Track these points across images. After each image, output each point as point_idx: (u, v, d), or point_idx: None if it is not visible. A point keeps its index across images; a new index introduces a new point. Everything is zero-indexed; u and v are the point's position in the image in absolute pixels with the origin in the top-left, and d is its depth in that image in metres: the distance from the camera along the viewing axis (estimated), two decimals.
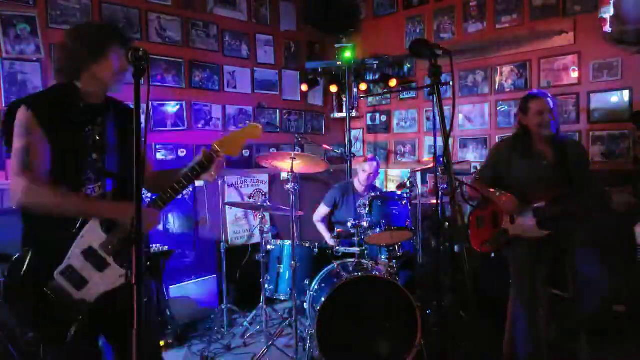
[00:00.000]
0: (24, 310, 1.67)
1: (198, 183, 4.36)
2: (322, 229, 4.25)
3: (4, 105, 3.39)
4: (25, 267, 1.65)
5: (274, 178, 4.98)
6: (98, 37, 1.76)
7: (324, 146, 4.73)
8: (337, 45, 5.26)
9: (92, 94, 1.79)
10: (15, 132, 1.66)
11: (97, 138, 1.78)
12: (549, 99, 2.82)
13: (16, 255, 1.68)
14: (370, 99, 5.52)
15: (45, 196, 1.64)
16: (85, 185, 1.75)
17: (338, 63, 5.11)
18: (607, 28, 3.66)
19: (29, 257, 1.66)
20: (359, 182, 4.23)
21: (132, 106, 1.92)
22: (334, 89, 5.21)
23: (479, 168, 3.04)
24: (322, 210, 4.25)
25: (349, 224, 3.41)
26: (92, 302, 1.69)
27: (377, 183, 5.37)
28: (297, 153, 3.34)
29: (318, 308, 2.95)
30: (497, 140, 4.48)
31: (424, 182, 4.82)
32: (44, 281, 1.66)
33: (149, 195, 2.00)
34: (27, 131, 1.65)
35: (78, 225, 1.69)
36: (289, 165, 3.28)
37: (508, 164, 2.93)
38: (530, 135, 2.87)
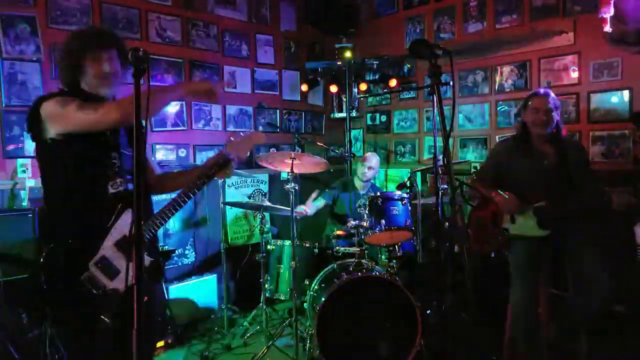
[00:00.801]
0: (60, 302, 1.73)
1: None
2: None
3: (4, 105, 3.39)
4: (60, 260, 1.72)
5: (274, 178, 4.98)
6: (71, 52, 1.85)
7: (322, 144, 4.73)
8: (337, 45, 5.26)
9: (95, 95, 1.88)
10: (58, 106, 1.73)
11: (110, 136, 1.88)
12: (550, 98, 2.83)
13: (49, 247, 1.74)
14: (370, 99, 5.52)
15: (124, 105, 1.71)
16: (109, 182, 1.84)
17: (338, 63, 5.10)
18: (607, 28, 3.66)
19: (63, 250, 1.73)
20: (358, 178, 4.24)
21: None
22: (334, 89, 5.21)
23: (479, 168, 3.05)
24: (320, 202, 4.24)
25: (349, 224, 3.41)
26: (123, 292, 1.75)
27: (377, 183, 5.38)
28: (297, 153, 3.35)
29: (318, 308, 2.95)
30: (497, 140, 4.48)
31: (424, 182, 4.82)
32: (79, 272, 1.73)
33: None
34: (69, 99, 1.75)
35: (113, 218, 1.79)
36: (289, 165, 3.28)
37: (508, 163, 2.93)
38: (529, 134, 2.88)
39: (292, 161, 3.27)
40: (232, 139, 2.04)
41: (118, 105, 1.74)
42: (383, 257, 3.58)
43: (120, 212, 1.81)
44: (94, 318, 1.72)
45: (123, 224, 1.80)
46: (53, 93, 1.85)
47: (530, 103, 2.86)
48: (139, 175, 1.35)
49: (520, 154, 2.89)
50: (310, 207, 4.13)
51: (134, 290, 1.29)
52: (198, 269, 4.34)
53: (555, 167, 2.83)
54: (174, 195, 1.95)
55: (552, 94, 2.87)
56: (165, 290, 3.80)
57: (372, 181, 4.40)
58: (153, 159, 2.35)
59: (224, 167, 2.00)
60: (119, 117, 1.71)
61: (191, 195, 1.92)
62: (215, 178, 2.01)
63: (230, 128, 4.73)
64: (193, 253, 4.36)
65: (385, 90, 5.20)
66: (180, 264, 4.26)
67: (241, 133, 2.08)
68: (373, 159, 4.23)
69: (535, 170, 2.84)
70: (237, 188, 4.70)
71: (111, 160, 1.85)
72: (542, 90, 2.91)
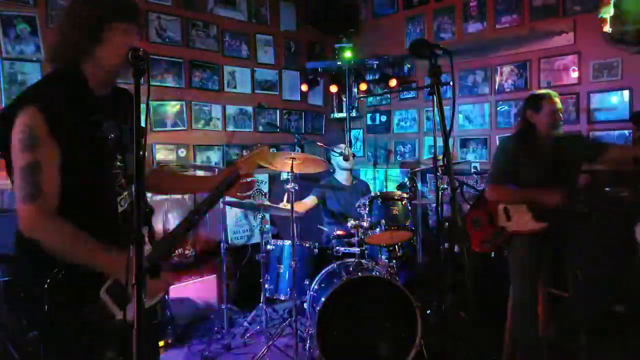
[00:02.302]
0: (65, 335, 1.44)
1: None
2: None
3: (4, 105, 3.39)
4: (64, 287, 1.43)
5: (274, 178, 4.98)
6: (95, 11, 1.48)
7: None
8: (337, 45, 5.26)
9: (99, 84, 1.55)
10: (19, 140, 1.37)
11: (112, 136, 1.55)
12: (558, 98, 2.84)
13: (54, 271, 1.43)
14: (370, 99, 5.52)
15: (51, 234, 1.40)
16: (119, 194, 1.57)
17: (338, 63, 5.10)
18: (607, 28, 3.66)
19: (69, 275, 1.43)
20: (338, 169, 4.22)
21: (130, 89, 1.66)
22: (334, 89, 5.21)
23: (494, 173, 2.95)
24: (310, 201, 4.22)
25: (349, 224, 3.41)
26: (130, 324, 1.40)
27: (378, 183, 5.38)
28: (297, 153, 3.34)
29: (318, 308, 2.95)
30: (497, 140, 4.48)
31: (424, 182, 4.82)
32: (88, 300, 1.46)
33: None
34: (34, 141, 1.37)
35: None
36: (289, 165, 3.28)
37: (515, 162, 2.90)
38: (535, 133, 2.86)
39: (292, 161, 3.27)
40: (244, 153, 1.98)
41: (47, 235, 1.39)
42: (383, 257, 3.58)
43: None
44: (99, 353, 1.48)
45: None
46: (41, 98, 1.43)
47: (545, 105, 2.81)
48: (140, 177, 1.32)
49: (521, 154, 2.88)
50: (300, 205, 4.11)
51: (134, 291, 1.27)
52: (198, 269, 4.34)
53: (555, 167, 2.83)
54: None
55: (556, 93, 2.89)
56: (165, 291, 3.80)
57: (354, 174, 4.36)
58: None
59: (235, 184, 1.86)
60: (39, 241, 1.39)
61: (204, 214, 1.77)
62: (226, 196, 1.86)
63: (230, 128, 4.73)
64: (193, 253, 4.36)
65: (385, 90, 5.20)
66: (180, 264, 4.26)
67: (248, 151, 1.95)
68: (341, 145, 4.26)
69: (536, 170, 2.84)
70: None
71: (117, 164, 1.57)
72: (552, 91, 2.90)
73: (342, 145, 4.28)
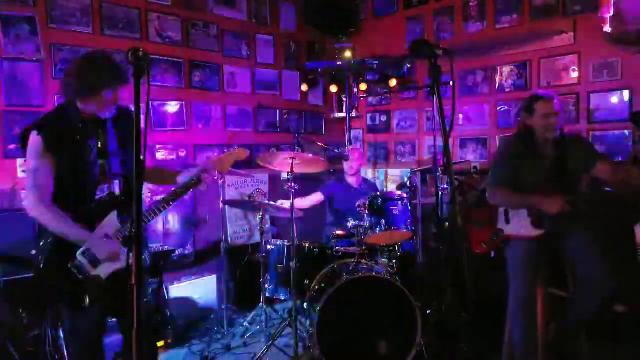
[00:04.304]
0: (54, 281, 2.07)
1: None
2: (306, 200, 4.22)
3: (4, 105, 3.39)
4: (54, 249, 2.04)
5: (274, 178, 4.98)
6: (90, 82, 2.03)
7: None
8: (337, 45, 5.26)
9: (89, 114, 2.12)
10: (29, 152, 2.03)
11: (100, 146, 2.13)
12: (555, 101, 2.78)
13: (49, 239, 2.05)
14: (370, 99, 5.52)
15: (45, 216, 2.03)
16: (98, 187, 2.12)
17: (338, 63, 5.10)
18: (607, 28, 3.66)
19: (56, 241, 2.04)
20: (347, 174, 4.24)
21: (131, 108, 2.16)
22: (334, 89, 5.21)
23: (494, 176, 2.92)
24: (316, 197, 4.23)
25: (349, 224, 3.41)
26: (104, 279, 2.07)
27: (377, 183, 5.38)
28: (297, 153, 3.34)
29: (318, 308, 2.95)
30: (497, 140, 4.48)
31: (424, 182, 4.82)
32: (69, 259, 2.03)
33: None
34: (37, 155, 2.01)
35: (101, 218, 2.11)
36: (289, 165, 3.28)
37: (514, 164, 2.89)
38: (533, 136, 2.85)
39: (292, 161, 3.26)
40: (215, 154, 2.23)
41: (42, 215, 2.02)
42: (383, 257, 3.57)
43: (107, 213, 2.14)
44: (80, 297, 2.03)
45: (109, 221, 2.11)
46: (43, 125, 2.05)
47: (538, 108, 2.77)
48: (140, 174, 1.35)
49: (520, 156, 2.87)
50: (304, 202, 4.14)
51: (133, 291, 1.29)
52: (198, 269, 4.34)
53: (557, 169, 2.82)
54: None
55: (555, 94, 2.83)
56: (165, 290, 3.80)
57: (363, 176, 4.38)
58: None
59: (199, 184, 2.28)
60: (36, 218, 2.03)
61: (171, 204, 2.21)
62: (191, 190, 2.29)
63: (230, 128, 4.73)
64: (193, 253, 4.36)
65: (385, 90, 5.20)
66: (180, 263, 4.26)
67: (225, 150, 2.34)
68: (355, 152, 4.26)
69: (537, 172, 2.83)
70: (237, 188, 4.70)
71: (97, 166, 2.11)
72: (547, 93, 2.84)
73: (351, 150, 4.29)
